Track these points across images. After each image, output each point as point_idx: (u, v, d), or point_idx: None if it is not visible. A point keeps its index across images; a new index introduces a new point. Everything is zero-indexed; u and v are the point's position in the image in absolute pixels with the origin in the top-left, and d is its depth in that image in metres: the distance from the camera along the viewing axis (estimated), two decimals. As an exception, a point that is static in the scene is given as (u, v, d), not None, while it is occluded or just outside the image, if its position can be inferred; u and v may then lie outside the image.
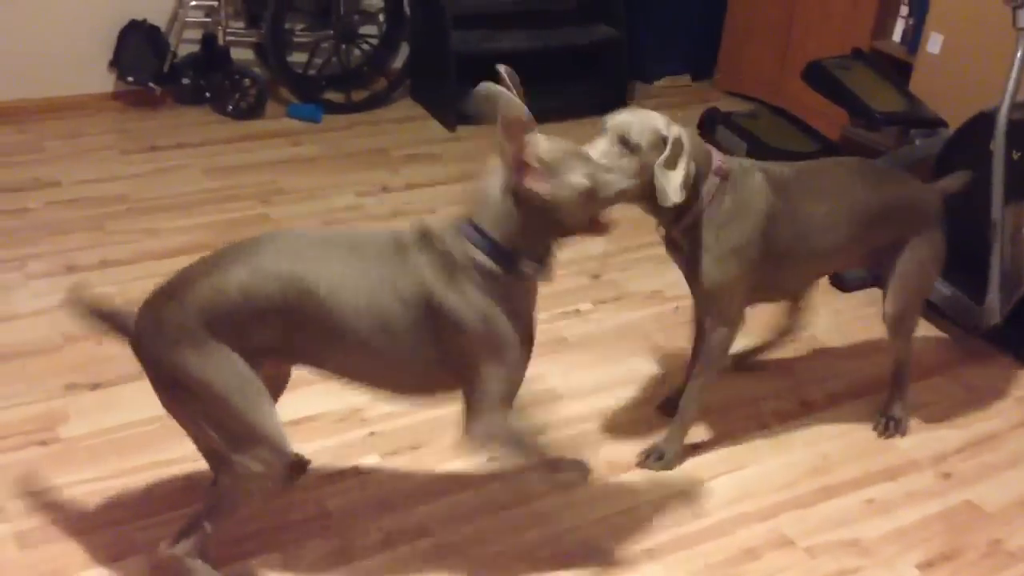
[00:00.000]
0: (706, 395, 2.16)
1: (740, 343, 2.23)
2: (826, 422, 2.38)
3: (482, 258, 1.62)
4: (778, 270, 2.06)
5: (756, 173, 2.00)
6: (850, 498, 2.15)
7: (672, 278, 2.97)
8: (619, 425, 2.32)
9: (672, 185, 1.84)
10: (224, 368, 1.59)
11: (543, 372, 2.46)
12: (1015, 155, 2.54)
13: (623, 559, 1.94)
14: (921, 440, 2.34)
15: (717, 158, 1.96)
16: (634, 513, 2.06)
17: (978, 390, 2.53)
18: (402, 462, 2.15)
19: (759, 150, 3.34)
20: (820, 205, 2.07)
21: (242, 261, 1.62)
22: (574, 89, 4.29)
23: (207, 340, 1.58)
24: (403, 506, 2.03)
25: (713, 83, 4.68)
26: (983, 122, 2.58)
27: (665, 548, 1.97)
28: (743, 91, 4.51)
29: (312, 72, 4.15)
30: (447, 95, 3.99)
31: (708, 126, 3.56)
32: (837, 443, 2.31)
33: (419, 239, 1.67)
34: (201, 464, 1.77)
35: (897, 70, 3.51)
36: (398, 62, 4.30)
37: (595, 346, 2.64)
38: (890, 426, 2.34)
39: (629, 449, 2.23)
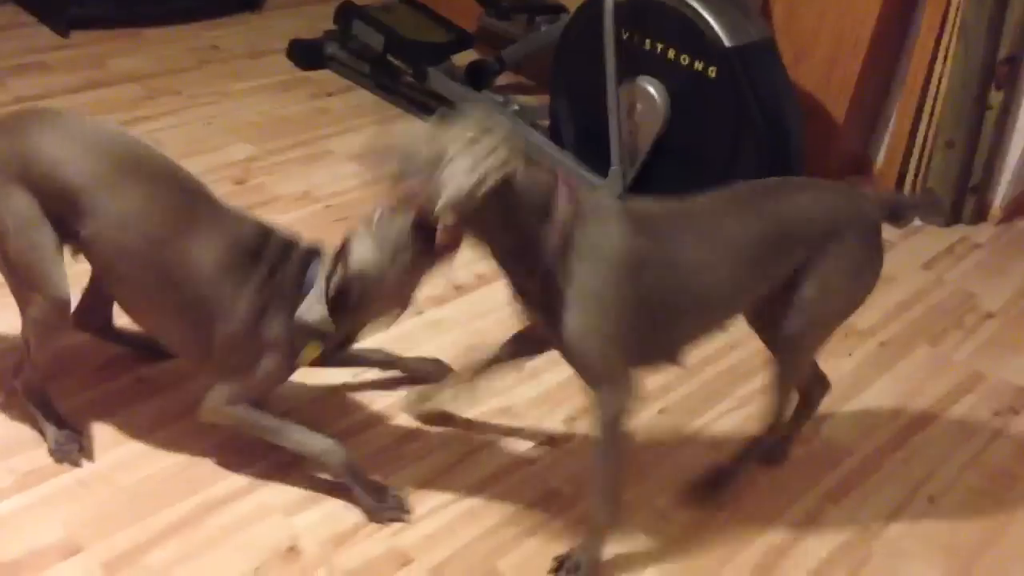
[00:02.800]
0: (618, 487, 1.77)
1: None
2: (476, 301, 2.48)
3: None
4: (658, 326, 1.64)
5: (611, 209, 1.60)
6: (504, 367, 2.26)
7: (319, 179, 2.95)
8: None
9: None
10: (15, 209, 1.66)
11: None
12: (625, 35, 2.73)
13: (287, 458, 1.92)
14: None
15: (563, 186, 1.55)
16: (294, 415, 2.04)
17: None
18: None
19: (395, 42, 3.34)
20: (698, 249, 1.64)
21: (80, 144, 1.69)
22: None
23: (16, 181, 1.66)
24: (37, 442, 1.87)
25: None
26: (595, 5, 2.74)
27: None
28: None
29: None
30: (56, -4, 3.59)
31: (343, 20, 3.49)
32: (487, 321, 2.42)
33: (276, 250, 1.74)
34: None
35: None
36: (-9, -40, 3.80)
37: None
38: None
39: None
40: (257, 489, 1.85)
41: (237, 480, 1.87)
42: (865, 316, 2.63)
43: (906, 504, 2.03)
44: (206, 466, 1.89)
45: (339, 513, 1.82)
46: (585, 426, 2.11)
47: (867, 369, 2.43)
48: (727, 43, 2.58)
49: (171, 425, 1.97)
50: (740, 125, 2.62)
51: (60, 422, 1.88)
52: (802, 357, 1.86)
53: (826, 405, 2.27)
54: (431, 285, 2.49)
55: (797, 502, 2.00)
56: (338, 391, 2.12)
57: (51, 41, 3.57)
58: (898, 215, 1.85)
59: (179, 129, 3.11)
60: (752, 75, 2.60)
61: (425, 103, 3.42)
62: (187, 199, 1.74)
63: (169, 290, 1.71)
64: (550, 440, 2.07)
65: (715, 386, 2.30)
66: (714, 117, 2.67)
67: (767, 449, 2.00)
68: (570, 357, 1.62)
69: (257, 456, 1.92)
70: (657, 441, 2.11)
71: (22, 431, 1.89)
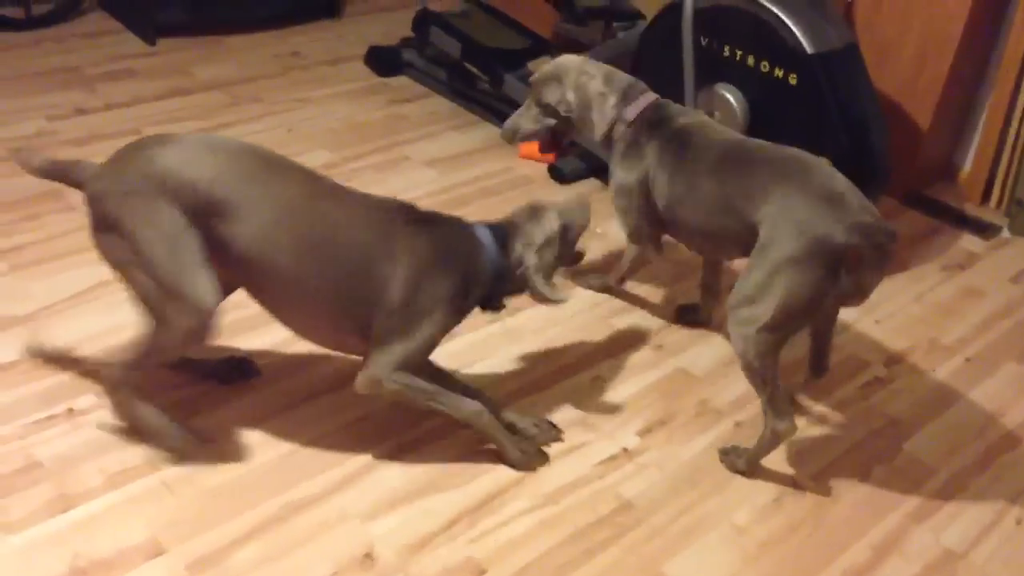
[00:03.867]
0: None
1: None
2: (553, 309, 2.48)
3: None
4: (670, 221, 2.17)
5: (667, 126, 2.15)
6: (577, 379, 2.26)
7: (396, 185, 2.98)
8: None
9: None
10: (163, 222, 1.70)
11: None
12: (703, 42, 2.70)
13: (365, 464, 1.95)
14: (635, 319, 2.49)
15: (638, 104, 2.22)
16: (369, 420, 2.06)
17: (682, 265, 2.71)
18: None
19: (472, 49, 3.35)
20: (702, 178, 2.05)
21: (217, 153, 1.75)
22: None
23: (156, 198, 1.70)
24: (124, 444, 1.93)
25: (427, -16, 4.63)
26: (673, 12, 2.71)
27: (400, 450, 2.00)
28: (457, -9, 4.49)
29: (-19, -16, 3.71)
30: (143, 4, 3.69)
31: (421, 27, 3.52)
32: (563, 328, 2.42)
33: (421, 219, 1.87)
34: None
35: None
36: (83, -30, 3.93)
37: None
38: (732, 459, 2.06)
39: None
40: (335, 494, 1.88)
41: (316, 485, 1.89)
42: (950, 331, 2.56)
43: (992, 526, 1.97)
44: (285, 470, 1.92)
45: (416, 520, 1.84)
46: (661, 439, 2.10)
47: (952, 385, 2.36)
48: (809, 50, 2.53)
49: (252, 429, 2.00)
50: (821, 133, 2.57)
51: (160, 421, 1.90)
52: (738, 340, 1.89)
53: (910, 422, 2.22)
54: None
55: (879, 521, 1.95)
56: (414, 398, 2.14)
57: (139, 48, 3.68)
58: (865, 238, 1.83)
59: (261, 135, 3.17)
60: (834, 82, 2.55)
61: (501, 110, 3.43)
62: (318, 186, 1.82)
63: (321, 276, 1.76)
64: (625, 452, 2.06)
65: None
66: (794, 125, 2.63)
67: None
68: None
69: (336, 461, 1.95)
70: (734, 455, 2.08)
71: (112, 432, 1.95)
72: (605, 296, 2.55)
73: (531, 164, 3.17)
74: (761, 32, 2.59)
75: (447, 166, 3.12)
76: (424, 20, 3.50)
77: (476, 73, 3.44)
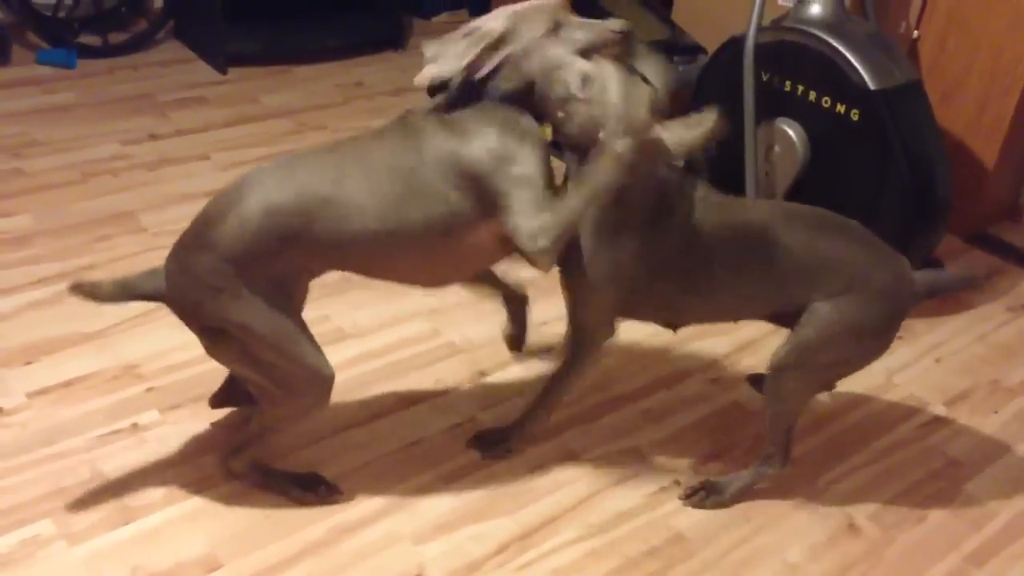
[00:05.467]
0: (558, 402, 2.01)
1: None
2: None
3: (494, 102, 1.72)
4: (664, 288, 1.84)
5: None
6: (629, 409, 2.26)
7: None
8: (407, 359, 2.34)
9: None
10: (261, 310, 1.64)
11: (328, 313, 2.44)
12: (764, 77, 2.71)
13: (417, 487, 1.97)
14: (690, 350, 2.49)
15: None
16: (424, 444, 2.08)
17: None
18: (183, 415, 2.08)
19: (534, 82, 3.39)
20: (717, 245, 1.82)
21: (251, 194, 1.63)
22: (348, 25, 4.20)
23: (240, 284, 1.62)
24: (186, 460, 1.97)
25: (490, 18, 4.70)
26: (734, 47, 2.73)
27: (453, 475, 2.02)
28: (520, 25, 4.54)
29: (62, 14, 3.85)
30: (215, 35, 3.81)
31: (484, 60, 3.58)
32: (614, 359, 2.42)
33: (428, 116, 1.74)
34: None
35: (661, 1, 3.64)
36: (159, 0, 4.06)
37: (378, 284, 2.63)
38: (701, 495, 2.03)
39: (417, 381, 2.25)
40: (387, 516, 1.90)
41: (369, 506, 1.92)
42: (1012, 373, 2.51)
43: (1056, 573, 1.92)
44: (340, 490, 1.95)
45: (465, 545, 1.85)
46: (714, 471, 2.09)
47: (1013, 428, 2.31)
48: (872, 85, 2.52)
49: (307, 449, 2.04)
50: (883, 170, 2.55)
51: (296, 477, 1.93)
52: (784, 396, 1.89)
53: (970, 463, 2.18)
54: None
55: (936, 564, 1.92)
56: (472, 424, 2.16)
57: (210, 76, 3.79)
58: (935, 293, 1.94)
59: (324, 162, 3.24)
60: (897, 119, 2.54)
61: (559, 141, 3.45)
62: (340, 147, 1.71)
63: (418, 210, 1.65)
64: (677, 484, 2.05)
65: (848, 438, 2.24)
66: (856, 161, 2.61)
67: None
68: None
69: (388, 484, 1.97)
70: (788, 493, 2.06)
71: (172, 447, 2.00)
72: (665, 329, 2.54)
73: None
74: (823, 67, 2.59)
75: (506, 196, 3.15)
76: (486, 52, 3.55)
77: (536, 105, 3.47)
